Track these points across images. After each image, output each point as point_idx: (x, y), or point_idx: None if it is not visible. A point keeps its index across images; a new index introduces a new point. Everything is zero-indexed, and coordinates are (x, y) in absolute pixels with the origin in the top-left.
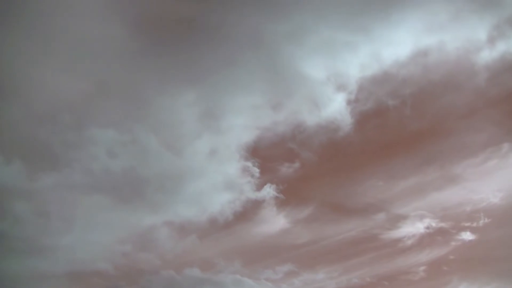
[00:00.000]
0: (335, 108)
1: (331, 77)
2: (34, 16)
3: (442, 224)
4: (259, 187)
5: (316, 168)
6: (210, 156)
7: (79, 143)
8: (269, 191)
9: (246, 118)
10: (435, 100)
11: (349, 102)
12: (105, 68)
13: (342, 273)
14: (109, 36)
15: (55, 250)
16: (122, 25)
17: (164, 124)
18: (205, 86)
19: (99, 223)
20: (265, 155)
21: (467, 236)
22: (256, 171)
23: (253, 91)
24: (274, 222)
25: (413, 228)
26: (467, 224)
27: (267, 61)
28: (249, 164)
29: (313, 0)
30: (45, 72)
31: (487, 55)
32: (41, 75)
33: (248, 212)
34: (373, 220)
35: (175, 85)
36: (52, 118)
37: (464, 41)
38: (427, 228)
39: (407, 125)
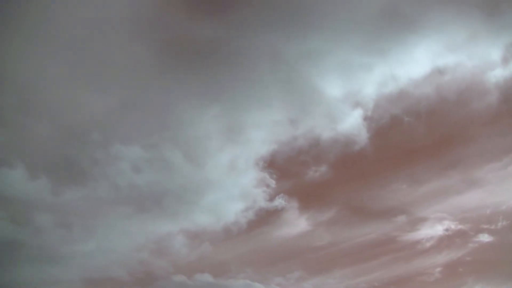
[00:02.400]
0: (352, 123)
1: (348, 95)
2: (63, 36)
3: (461, 226)
4: (275, 196)
5: (338, 175)
6: (230, 169)
7: (105, 159)
8: (280, 201)
9: (266, 132)
10: (457, 110)
11: (365, 118)
12: (131, 87)
13: (356, 276)
14: (136, 56)
15: (73, 258)
16: (148, 46)
17: (186, 139)
18: (227, 103)
19: (118, 231)
20: (284, 165)
21: (485, 238)
22: (272, 182)
23: (273, 107)
24: (293, 227)
25: (432, 230)
26: (485, 226)
27: (287, 79)
28: (266, 175)
29: (331, 23)
30: (73, 90)
31: (501, 73)
32: (68, 93)
33: (263, 220)
34: (393, 222)
35: (198, 103)
36: (79, 135)
37: (479, 60)
38: (446, 230)
39: (431, 133)
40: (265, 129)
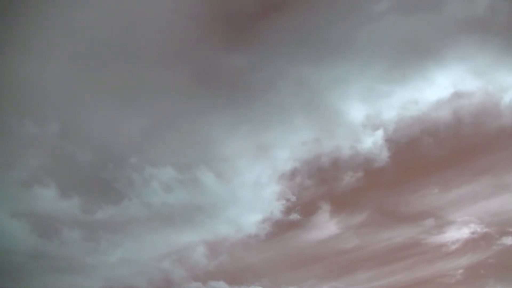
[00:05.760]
0: (375, 143)
1: (370, 118)
2: (99, 61)
3: (487, 229)
4: (294, 208)
5: (368, 183)
6: (254, 184)
7: (138, 180)
8: (295, 216)
9: (291, 151)
10: (480, 127)
11: (387, 140)
12: (165, 111)
13: (375, 279)
14: (170, 81)
15: (96, 269)
16: (182, 72)
17: (216, 159)
18: (254, 125)
19: (143, 244)
20: (308, 178)
21: (509, 240)
22: (293, 197)
23: (297, 129)
24: (318, 231)
25: (458, 233)
26: (511, 229)
27: (310, 103)
28: (288, 190)
29: (354, 52)
30: (108, 113)
31: None
32: (104, 117)
33: (282, 229)
34: (421, 226)
35: (228, 125)
36: (113, 157)
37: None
38: (472, 233)
39: (462, 141)
40: (290, 148)
